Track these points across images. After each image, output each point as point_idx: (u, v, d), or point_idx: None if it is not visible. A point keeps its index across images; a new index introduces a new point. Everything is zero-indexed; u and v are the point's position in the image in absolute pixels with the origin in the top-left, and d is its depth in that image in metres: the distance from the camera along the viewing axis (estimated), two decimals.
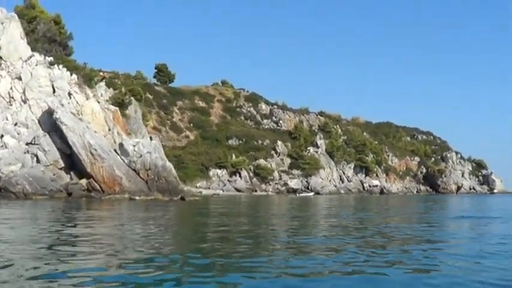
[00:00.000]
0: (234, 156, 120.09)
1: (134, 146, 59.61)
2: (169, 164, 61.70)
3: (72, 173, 57.54)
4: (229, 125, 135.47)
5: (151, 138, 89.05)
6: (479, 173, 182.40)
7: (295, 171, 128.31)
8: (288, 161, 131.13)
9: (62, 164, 57.24)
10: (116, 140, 61.46)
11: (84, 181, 56.21)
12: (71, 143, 55.53)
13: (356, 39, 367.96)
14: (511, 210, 42.86)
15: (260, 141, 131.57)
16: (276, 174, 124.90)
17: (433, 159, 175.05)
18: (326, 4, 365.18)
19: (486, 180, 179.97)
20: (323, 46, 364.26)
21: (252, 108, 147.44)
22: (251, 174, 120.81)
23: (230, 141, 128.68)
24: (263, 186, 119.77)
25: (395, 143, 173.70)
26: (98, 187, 55.39)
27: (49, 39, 69.84)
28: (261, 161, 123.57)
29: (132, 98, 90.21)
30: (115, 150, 58.96)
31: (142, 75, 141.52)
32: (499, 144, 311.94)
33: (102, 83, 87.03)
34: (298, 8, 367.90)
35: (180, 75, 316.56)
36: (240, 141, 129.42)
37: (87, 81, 69.09)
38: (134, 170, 58.33)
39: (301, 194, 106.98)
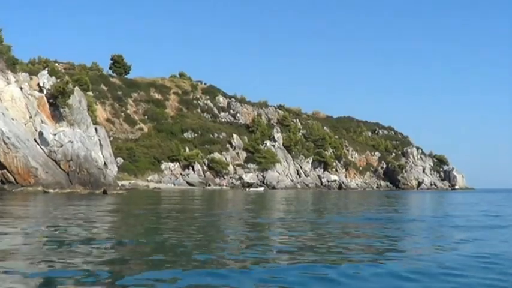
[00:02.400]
0: (187, 150, 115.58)
1: (55, 134, 54.58)
2: (94, 155, 56.74)
3: None
4: (185, 118, 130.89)
5: (96, 130, 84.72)
6: (441, 169, 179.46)
7: (251, 165, 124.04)
8: (243, 154, 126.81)
9: None
10: (37, 128, 56.21)
11: None
12: None
13: (319, 32, 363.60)
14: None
15: (216, 135, 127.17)
16: (231, 168, 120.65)
17: (393, 154, 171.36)
18: None
19: (447, 176, 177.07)
20: (285, 38, 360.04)
21: (209, 101, 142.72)
22: (205, 168, 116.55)
23: (185, 134, 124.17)
24: (217, 180, 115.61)
25: (355, 137, 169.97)
26: (11, 179, 50.41)
27: None
28: (216, 155, 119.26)
29: (77, 88, 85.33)
30: (35, 140, 53.88)
31: (97, 66, 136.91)
32: (461, 140, 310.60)
33: (45, 71, 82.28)
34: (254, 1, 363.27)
35: (138, 67, 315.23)
36: (196, 134, 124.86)
37: (10, 66, 63.69)
38: (55, 160, 53.37)
39: (251, 189, 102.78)
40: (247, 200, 49.81)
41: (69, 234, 16.03)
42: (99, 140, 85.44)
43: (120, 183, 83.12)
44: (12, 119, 53.31)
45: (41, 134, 54.38)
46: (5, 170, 50.65)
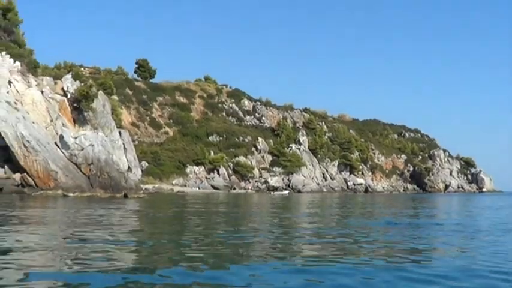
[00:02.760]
0: (212, 153, 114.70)
1: (75, 138, 53.84)
2: (115, 158, 55.99)
3: (6, 166, 51.70)
4: (210, 121, 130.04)
5: (120, 134, 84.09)
6: (468, 172, 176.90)
7: (276, 169, 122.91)
8: (269, 158, 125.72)
9: None
10: (58, 131, 55.50)
11: (18, 175, 50.54)
12: (2, 133, 49.78)
13: (345, 34, 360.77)
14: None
15: (241, 138, 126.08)
16: (256, 171, 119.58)
17: (420, 157, 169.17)
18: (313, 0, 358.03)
19: (475, 179, 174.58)
20: (311, 42, 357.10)
21: (234, 105, 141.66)
22: (230, 171, 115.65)
23: (211, 138, 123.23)
24: (242, 183, 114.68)
25: (382, 140, 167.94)
26: (32, 182, 49.71)
27: None
28: (241, 158, 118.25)
29: (101, 92, 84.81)
30: (56, 143, 53.19)
31: (123, 71, 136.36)
32: (489, 142, 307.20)
33: (69, 76, 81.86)
34: (284, 3, 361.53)
35: (163, 72, 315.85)
36: (221, 138, 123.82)
37: (31, 70, 63.13)
38: (75, 164, 52.61)
39: (275, 193, 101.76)
40: (273, 203, 48.97)
41: (93, 236, 16.40)
42: (123, 144, 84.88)
43: (144, 186, 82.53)
44: (33, 123, 52.66)
45: (61, 137, 53.68)
46: (25, 174, 49.99)
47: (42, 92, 58.72)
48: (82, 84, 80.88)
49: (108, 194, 51.29)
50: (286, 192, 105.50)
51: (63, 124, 57.64)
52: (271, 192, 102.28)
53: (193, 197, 66.25)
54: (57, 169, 50.48)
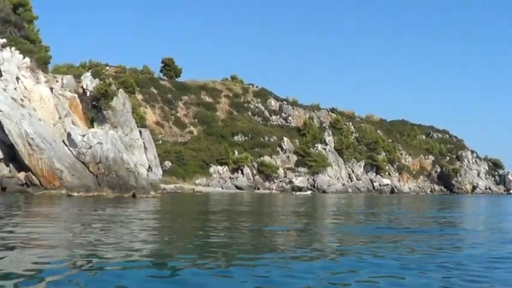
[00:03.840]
0: (236, 153, 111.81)
1: (83, 136, 51.02)
2: (125, 157, 53.06)
3: (11, 165, 49.01)
4: (235, 121, 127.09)
5: (140, 133, 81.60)
6: (496, 173, 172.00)
7: (302, 169, 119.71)
8: (294, 158, 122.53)
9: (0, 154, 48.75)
10: (67, 129, 52.72)
11: (22, 174, 47.92)
12: (6, 131, 47.19)
13: (373, 35, 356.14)
14: None
15: (267, 138, 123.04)
16: (281, 171, 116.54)
17: (448, 158, 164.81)
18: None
19: (502, 180, 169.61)
20: (339, 42, 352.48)
21: (260, 104, 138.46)
22: (254, 171, 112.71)
23: (236, 138, 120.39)
24: (266, 184, 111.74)
25: (409, 141, 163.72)
26: (36, 181, 47.04)
27: (2, 20, 61.47)
28: (266, 158, 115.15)
29: (121, 90, 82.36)
30: (63, 141, 50.43)
31: (148, 70, 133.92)
32: None
33: (88, 73, 79.73)
34: (309, 2, 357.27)
35: (190, 71, 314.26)
36: (246, 138, 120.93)
37: (41, 66, 60.53)
38: (83, 162, 49.85)
39: (298, 193, 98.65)
40: (295, 204, 46.11)
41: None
42: (144, 143, 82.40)
43: (164, 186, 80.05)
44: (40, 120, 49.93)
45: (69, 135, 51.02)
46: (29, 173, 47.35)
47: (51, 88, 55.94)
48: (101, 82, 78.70)
49: (116, 194, 48.43)
50: (309, 192, 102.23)
51: (72, 122, 54.87)
52: (294, 193, 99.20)
53: (212, 197, 63.36)
54: (63, 168, 47.76)
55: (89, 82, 76.25)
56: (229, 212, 33.34)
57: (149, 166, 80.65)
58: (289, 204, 47.31)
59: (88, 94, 74.58)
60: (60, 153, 48.67)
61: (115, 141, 54.18)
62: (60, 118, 53.63)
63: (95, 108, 73.56)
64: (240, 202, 51.43)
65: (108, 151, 51.42)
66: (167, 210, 34.66)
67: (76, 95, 60.03)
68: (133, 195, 48.75)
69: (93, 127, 70.50)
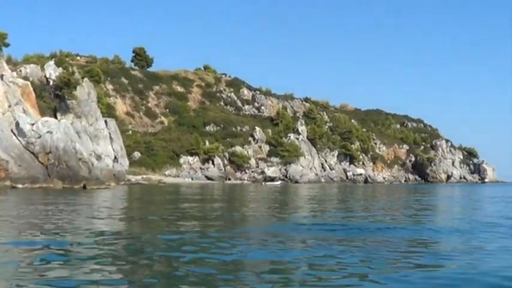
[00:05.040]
0: (207, 143, 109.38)
1: (32, 125, 48.31)
2: (79, 146, 50.45)
3: None
4: (207, 111, 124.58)
5: (106, 123, 79.08)
6: (470, 162, 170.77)
7: (274, 159, 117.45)
8: (266, 148, 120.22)
9: None
10: (16, 118, 50.04)
11: None
12: None
13: (345, 24, 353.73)
14: None
15: (239, 128, 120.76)
16: (253, 161, 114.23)
17: (422, 147, 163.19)
18: None
19: (477, 169, 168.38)
20: (313, 31, 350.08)
21: (233, 94, 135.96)
22: (226, 161, 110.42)
23: (207, 128, 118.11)
24: (238, 174, 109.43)
25: (384, 130, 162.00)
26: None
27: None
28: (237, 148, 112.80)
29: (86, 79, 79.68)
30: (12, 130, 47.77)
31: (120, 60, 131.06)
32: (491, 132, 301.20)
33: (51, 62, 77.10)
34: None
35: (162, 61, 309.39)
36: (218, 128, 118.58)
37: None
38: (33, 152, 47.19)
39: (268, 183, 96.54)
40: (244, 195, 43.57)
41: None
42: (110, 134, 79.95)
43: (129, 177, 77.77)
44: None
45: (17, 124, 48.33)
46: None
47: (1, 76, 53.16)
48: (64, 71, 75.98)
49: (66, 185, 45.85)
50: (278, 183, 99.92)
51: (24, 110, 52.11)
52: (264, 183, 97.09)
53: (175, 188, 60.94)
54: (9, 158, 45.24)
55: (52, 71, 73.55)
56: (169, 205, 30.84)
57: (115, 157, 78.38)
58: (233, 198, 44.68)
59: (51, 83, 72.11)
60: (7, 143, 46.04)
61: (67, 130, 51.61)
62: (9, 106, 50.86)
63: (58, 97, 71.02)
64: (193, 193, 48.84)
65: (59, 141, 48.78)
66: (102, 205, 31.43)
67: (29, 83, 57.61)
68: (84, 187, 46.17)
69: (55, 117, 68.09)
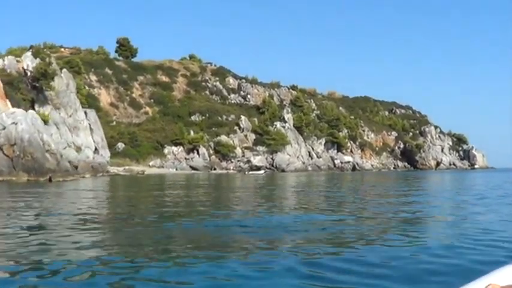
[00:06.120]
0: (192, 133, 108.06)
1: None
2: (46, 138, 49.10)
3: None
4: (192, 101, 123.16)
5: (86, 114, 77.92)
6: (460, 148, 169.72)
7: (260, 148, 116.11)
8: (252, 137, 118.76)
9: None
10: None
11: None
12: None
13: (334, 10, 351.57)
14: None
15: (225, 117, 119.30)
16: (238, 151, 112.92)
17: (411, 134, 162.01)
18: None
19: (467, 156, 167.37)
20: (299, 18, 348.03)
21: (218, 83, 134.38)
22: (211, 151, 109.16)
23: (193, 117, 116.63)
24: (224, 164, 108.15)
25: (372, 117, 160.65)
26: None
27: None
28: (223, 137, 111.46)
29: (65, 70, 78.51)
30: None
31: (104, 50, 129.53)
32: (481, 118, 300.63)
33: (29, 53, 76.00)
34: None
35: (147, 51, 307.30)
36: (203, 117, 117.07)
37: None
38: None
39: (250, 172, 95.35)
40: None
41: None
42: (90, 125, 78.77)
43: (111, 168, 76.75)
44: None
45: None
46: None
47: None
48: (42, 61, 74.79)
49: (31, 178, 44.47)
50: (262, 172, 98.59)
51: None
52: (246, 172, 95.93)
53: (152, 179, 59.52)
54: None
55: (29, 62, 72.44)
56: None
57: (96, 148, 77.18)
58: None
59: (28, 74, 70.93)
60: None
61: (34, 121, 50.10)
62: None
63: (35, 89, 69.81)
64: (158, 184, 47.53)
65: (23, 132, 47.31)
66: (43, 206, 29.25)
67: None
68: (50, 180, 44.76)
69: (33, 108, 66.81)
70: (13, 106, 52.75)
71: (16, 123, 47.40)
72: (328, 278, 8.80)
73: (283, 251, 11.34)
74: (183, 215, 19.36)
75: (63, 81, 75.20)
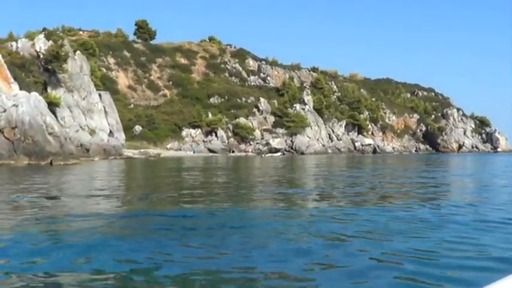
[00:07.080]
0: (210, 115, 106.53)
1: None
2: (49, 120, 47.70)
3: None
4: (211, 83, 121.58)
5: (100, 96, 76.87)
6: (483, 131, 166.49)
7: (279, 130, 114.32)
8: (271, 119, 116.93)
9: None
10: None
11: None
12: None
13: None
14: None
15: (244, 99, 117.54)
16: (257, 133, 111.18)
17: (433, 116, 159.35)
18: None
19: (489, 138, 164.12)
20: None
21: (237, 65, 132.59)
22: (229, 133, 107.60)
23: (212, 100, 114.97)
24: (242, 146, 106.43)
25: (394, 99, 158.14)
26: None
27: None
28: (241, 120, 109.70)
29: (78, 52, 77.35)
30: None
31: (123, 33, 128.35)
32: (504, 100, 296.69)
33: (41, 36, 75.14)
34: None
35: (166, 33, 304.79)
36: (222, 99, 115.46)
37: None
38: None
39: (267, 155, 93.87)
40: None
41: None
42: (104, 107, 77.62)
43: (127, 151, 75.46)
44: None
45: None
46: None
47: None
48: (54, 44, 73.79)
49: (32, 162, 43.14)
50: (279, 154, 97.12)
51: None
52: (263, 155, 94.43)
53: (164, 163, 57.95)
54: None
55: (42, 45, 71.59)
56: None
57: (110, 131, 76.01)
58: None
59: (41, 57, 69.93)
60: None
61: (37, 103, 48.62)
62: None
63: (47, 71, 68.72)
64: (169, 168, 45.97)
65: (24, 114, 45.81)
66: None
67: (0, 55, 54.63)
68: (51, 163, 43.36)
69: (45, 91, 65.74)
70: (22, 89, 51.44)
71: (17, 106, 46.00)
72: None
73: None
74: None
75: (77, 64, 74.05)
